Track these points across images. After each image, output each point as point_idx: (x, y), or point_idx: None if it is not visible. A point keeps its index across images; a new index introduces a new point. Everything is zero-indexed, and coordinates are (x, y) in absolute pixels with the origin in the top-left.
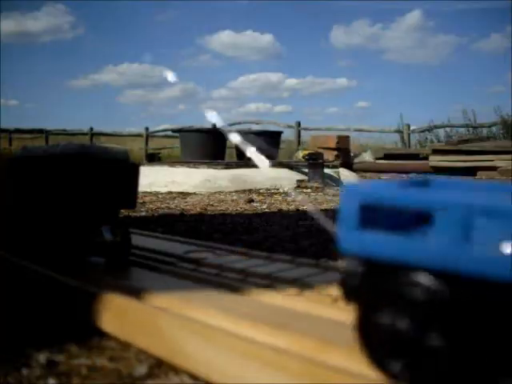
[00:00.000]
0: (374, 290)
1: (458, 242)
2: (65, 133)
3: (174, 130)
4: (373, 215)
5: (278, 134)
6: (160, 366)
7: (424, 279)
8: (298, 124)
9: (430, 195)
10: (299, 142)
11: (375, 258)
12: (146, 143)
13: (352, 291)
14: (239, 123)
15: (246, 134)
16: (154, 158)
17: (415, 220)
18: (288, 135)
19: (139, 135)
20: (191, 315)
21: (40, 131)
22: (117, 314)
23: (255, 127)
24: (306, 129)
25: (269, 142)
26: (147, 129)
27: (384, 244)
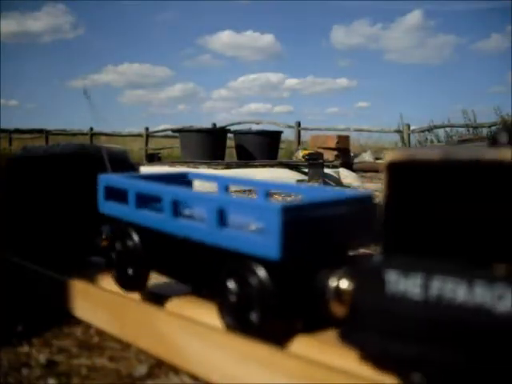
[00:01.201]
0: (115, 232)
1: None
2: (65, 133)
3: (173, 130)
4: (112, 192)
5: (278, 133)
6: (160, 366)
7: (130, 228)
8: (298, 124)
9: (143, 185)
10: (299, 142)
11: (112, 215)
12: (146, 143)
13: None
14: (239, 123)
15: (245, 134)
16: (153, 158)
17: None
18: (288, 135)
19: (139, 135)
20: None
21: (40, 131)
22: (117, 314)
23: (255, 127)
24: (305, 129)
25: (269, 142)
26: (147, 129)
27: (117, 209)
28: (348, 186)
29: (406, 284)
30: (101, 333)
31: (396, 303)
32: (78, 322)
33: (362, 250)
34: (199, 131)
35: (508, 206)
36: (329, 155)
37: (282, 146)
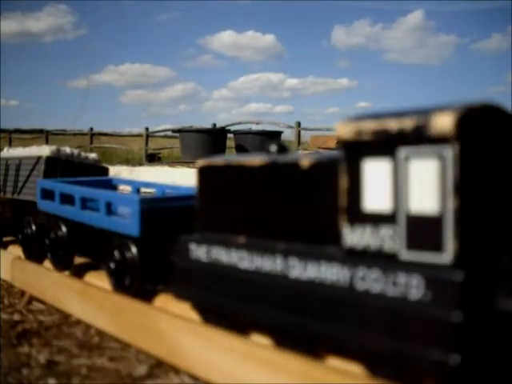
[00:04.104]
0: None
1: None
2: (65, 133)
3: (174, 130)
4: (46, 192)
5: (278, 134)
6: (160, 365)
7: (60, 221)
8: (298, 124)
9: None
10: (299, 142)
11: (46, 210)
12: (146, 143)
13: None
14: (239, 123)
15: (245, 134)
16: (154, 158)
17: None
18: (288, 135)
19: (139, 135)
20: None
21: (40, 131)
22: (116, 314)
23: (255, 127)
24: (305, 129)
25: (268, 142)
26: (147, 129)
27: (48, 205)
28: None
29: (198, 251)
30: (101, 333)
31: (194, 264)
32: (77, 321)
33: None
34: (199, 131)
35: (255, 196)
36: None
37: None
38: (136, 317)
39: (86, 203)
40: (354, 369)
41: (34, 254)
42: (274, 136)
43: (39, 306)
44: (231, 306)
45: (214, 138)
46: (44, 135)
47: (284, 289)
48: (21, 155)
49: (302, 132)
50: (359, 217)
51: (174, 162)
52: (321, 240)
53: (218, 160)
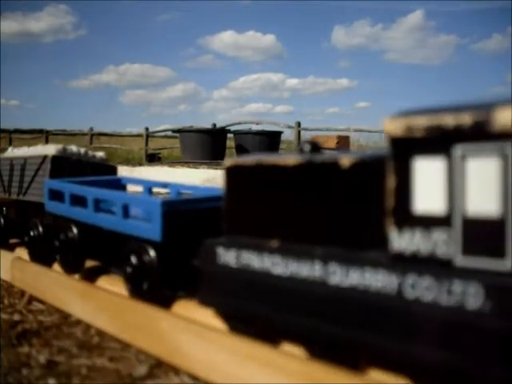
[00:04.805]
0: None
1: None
2: (65, 133)
3: (174, 131)
4: (54, 193)
5: (278, 134)
6: (160, 365)
7: (72, 223)
8: (298, 124)
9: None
10: (299, 143)
11: (55, 212)
12: (146, 143)
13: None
14: (239, 123)
15: (245, 134)
16: (154, 159)
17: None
18: (288, 135)
19: (139, 135)
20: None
21: (40, 131)
22: (116, 314)
23: (255, 127)
24: (305, 129)
25: (269, 142)
26: (147, 129)
27: (57, 207)
28: None
29: (227, 255)
30: (101, 333)
31: (221, 269)
32: (77, 321)
33: None
34: (199, 131)
35: (288, 198)
36: None
37: (282, 146)
38: (136, 317)
39: (99, 205)
40: (354, 369)
41: (42, 257)
42: (274, 136)
43: (39, 306)
44: (262, 313)
45: (214, 138)
46: (44, 135)
47: (322, 296)
48: (26, 155)
49: (302, 132)
50: (408, 219)
51: (173, 162)
52: (364, 244)
53: (247, 160)
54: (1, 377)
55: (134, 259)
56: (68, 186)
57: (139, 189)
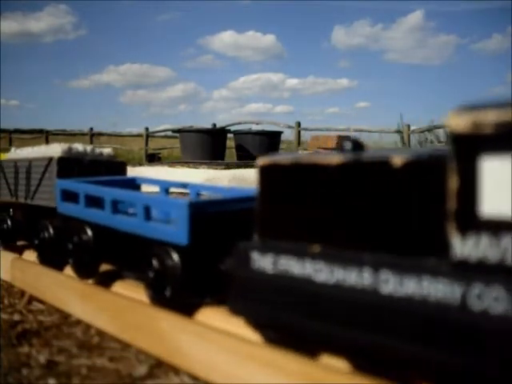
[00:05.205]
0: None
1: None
2: (65, 133)
3: (174, 131)
4: (67, 194)
5: (278, 134)
6: (160, 365)
7: (86, 225)
8: (298, 124)
9: (92, 187)
10: (299, 142)
11: (68, 214)
12: (146, 143)
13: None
14: (239, 123)
15: (245, 134)
16: (154, 158)
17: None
18: (288, 135)
19: (139, 135)
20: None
21: (40, 131)
22: (117, 314)
23: (255, 127)
24: (305, 129)
25: (269, 142)
26: (147, 129)
27: (71, 208)
28: None
29: (262, 261)
30: (101, 333)
31: (256, 275)
32: (77, 321)
33: None
34: (199, 131)
35: (330, 199)
36: None
37: (282, 146)
38: (136, 317)
39: (117, 206)
40: (354, 369)
41: (52, 260)
42: (274, 136)
43: (39, 306)
44: (303, 323)
45: (214, 138)
46: (44, 135)
47: (373, 306)
48: (30, 156)
49: (302, 132)
50: (473, 224)
51: (173, 162)
52: (420, 250)
53: (283, 158)
54: (1, 377)
55: (156, 264)
56: (83, 187)
57: (154, 189)
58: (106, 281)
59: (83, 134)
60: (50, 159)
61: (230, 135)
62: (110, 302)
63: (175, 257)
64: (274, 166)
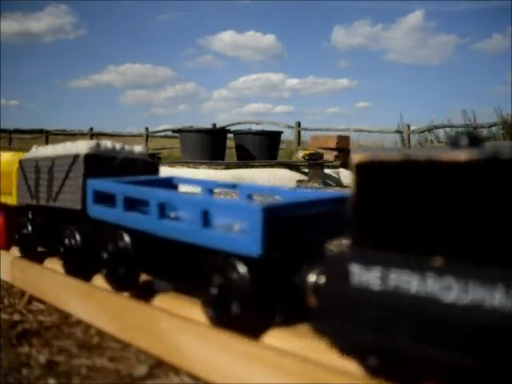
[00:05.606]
0: (100, 232)
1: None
2: (65, 133)
3: (173, 131)
4: (101, 196)
5: (278, 134)
6: (160, 365)
7: (123, 231)
8: (298, 124)
9: (133, 189)
10: (299, 142)
11: (101, 218)
12: (146, 143)
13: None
14: (239, 123)
15: (245, 134)
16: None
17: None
18: (288, 135)
19: (139, 135)
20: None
21: (40, 131)
22: (117, 314)
23: (255, 127)
24: (305, 129)
25: (269, 142)
26: (147, 129)
27: (105, 212)
28: (348, 187)
29: (366, 275)
30: (101, 333)
31: (359, 293)
32: (77, 321)
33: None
34: (199, 131)
35: (457, 203)
36: (329, 156)
37: (282, 146)
38: (136, 317)
39: (164, 211)
40: (355, 369)
41: (80, 270)
42: (274, 136)
43: (39, 306)
44: (425, 350)
45: (214, 138)
46: (44, 135)
47: None
48: (53, 155)
49: (302, 132)
50: None
51: (173, 162)
52: None
53: (387, 155)
54: (1, 377)
55: (219, 278)
56: (121, 188)
57: (194, 190)
58: (143, 293)
59: (83, 134)
60: (76, 157)
61: (230, 135)
62: (110, 302)
63: (243, 270)
64: (375, 164)
